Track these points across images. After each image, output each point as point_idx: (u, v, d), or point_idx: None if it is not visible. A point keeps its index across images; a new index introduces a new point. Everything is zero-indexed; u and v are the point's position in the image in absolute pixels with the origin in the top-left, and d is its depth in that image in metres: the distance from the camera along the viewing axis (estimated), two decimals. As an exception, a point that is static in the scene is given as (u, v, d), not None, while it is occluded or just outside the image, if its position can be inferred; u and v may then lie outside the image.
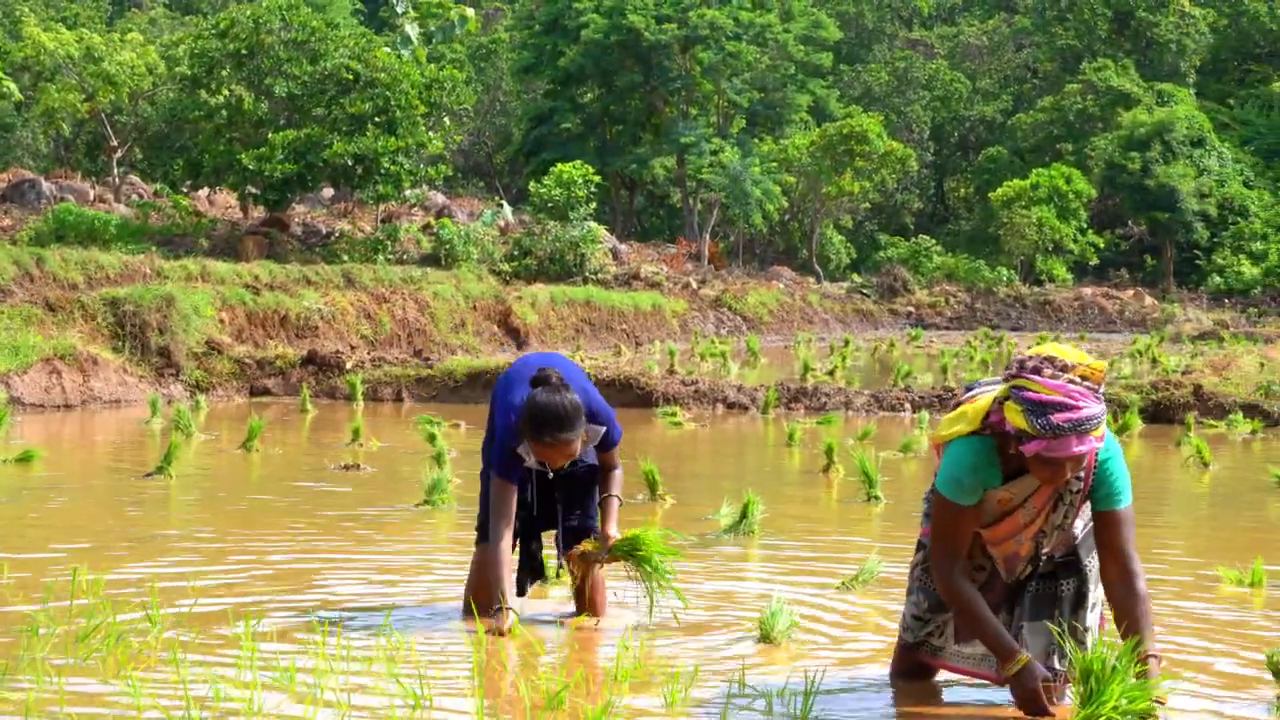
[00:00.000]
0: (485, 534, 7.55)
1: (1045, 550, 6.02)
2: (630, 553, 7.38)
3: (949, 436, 5.96)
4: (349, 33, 42.40)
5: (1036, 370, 5.65)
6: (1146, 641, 5.75)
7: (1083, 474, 5.85)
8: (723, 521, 10.85)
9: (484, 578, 7.46)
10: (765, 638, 7.19)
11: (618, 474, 7.61)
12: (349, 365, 23.81)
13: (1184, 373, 24.92)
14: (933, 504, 6.08)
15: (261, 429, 16.00)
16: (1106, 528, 5.87)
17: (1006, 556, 6.05)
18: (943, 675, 6.47)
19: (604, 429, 7.41)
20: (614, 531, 7.43)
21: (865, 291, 61.89)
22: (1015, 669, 5.78)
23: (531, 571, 7.75)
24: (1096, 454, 5.82)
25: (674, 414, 20.34)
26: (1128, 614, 5.81)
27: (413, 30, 55.56)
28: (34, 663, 6.33)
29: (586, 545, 7.43)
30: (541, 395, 7.14)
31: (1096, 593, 6.07)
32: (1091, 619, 6.02)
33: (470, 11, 57.53)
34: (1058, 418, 5.56)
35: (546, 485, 7.61)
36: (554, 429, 7.10)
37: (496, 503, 7.35)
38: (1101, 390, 5.65)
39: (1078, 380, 5.62)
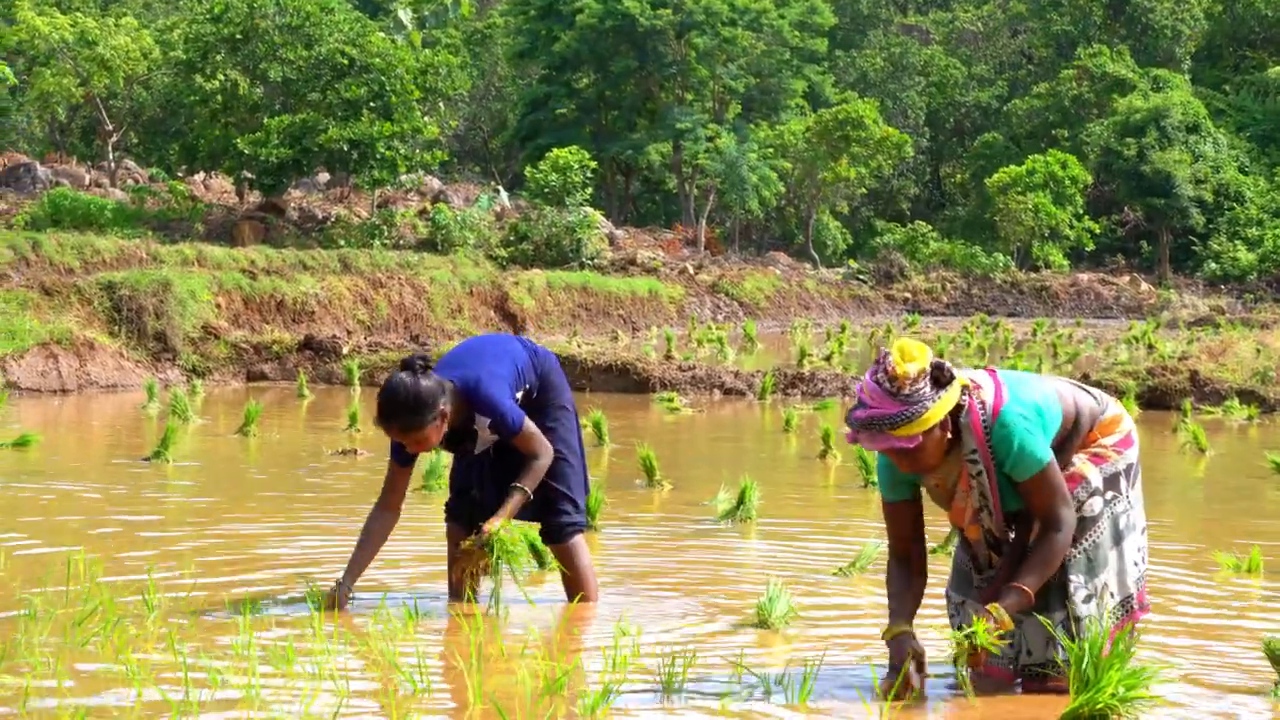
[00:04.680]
0: (449, 512, 7.69)
1: (990, 529, 6.06)
2: (488, 550, 7.30)
3: None
4: (343, 17, 42.34)
5: (877, 363, 5.86)
6: (1022, 575, 5.89)
7: (977, 456, 5.94)
8: (720, 507, 10.85)
9: (450, 555, 7.65)
10: (763, 623, 7.19)
11: (535, 465, 7.36)
12: (346, 350, 23.80)
13: (1180, 359, 24.89)
14: None
15: (258, 414, 16.00)
16: (1024, 496, 5.97)
17: (972, 541, 6.18)
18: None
19: (489, 420, 7.30)
20: (494, 525, 7.28)
21: (862, 277, 61.84)
22: (888, 635, 5.96)
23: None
24: (990, 434, 5.91)
25: (671, 399, 20.35)
26: (1027, 556, 5.96)
27: (406, 15, 55.54)
28: (31, 647, 6.32)
29: (467, 543, 7.37)
30: (389, 384, 7.14)
31: (1093, 583, 6.05)
32: (1087, 609, 5.99)
33: (464, -5, 57.51)
34: (854, 413, 5.84)
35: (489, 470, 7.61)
36: (387, 419, 7.12)
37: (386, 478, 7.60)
38: (911, 391, 5.75)
39: (886, 383, 5.77)
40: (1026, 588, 5.87)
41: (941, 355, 29.69)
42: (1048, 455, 5.91)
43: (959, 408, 5.93)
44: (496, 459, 7.50)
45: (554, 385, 7.66)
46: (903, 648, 5.90)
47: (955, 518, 6.12)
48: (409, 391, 7.05)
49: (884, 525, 6.27)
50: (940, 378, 5.83)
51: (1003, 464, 5.93)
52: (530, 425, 7.36)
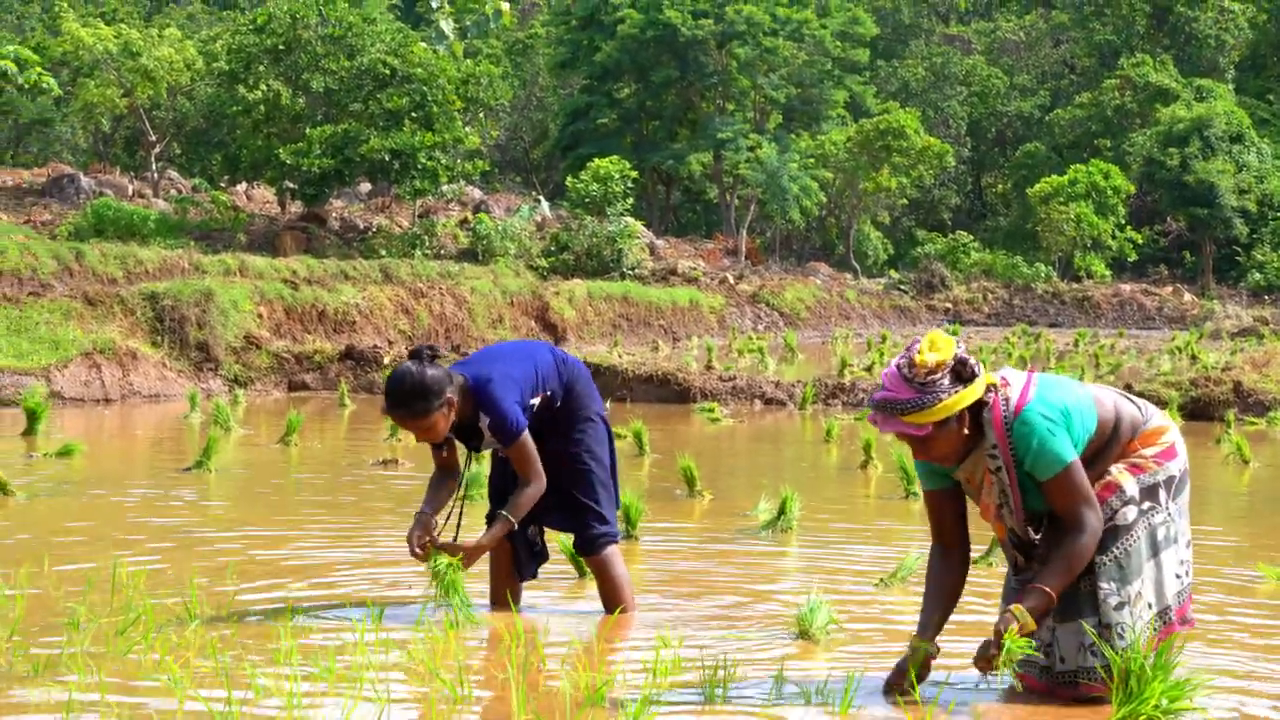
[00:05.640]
0: (491, 521, 7.61)
1: (1012, 528, 6.06)
2: (431, 576, 7.30)
3: None
4: (385, 28, 42.50)
5: (906, 350, 5.96)
6: (1044, 577, 5.90)
7: (996, 451, 5.96)
8: (761, 518, 10.83)
9: (491, 564, 7.70)
10: (804, 634, 7.17)
11: (524, 492, 7.28)
12: (387, 360, 23.87)
13: (1224, 369, 24.79)
14: None
15: (300, 424, 16.04)
16: (1047, 496, 5.97)
17: (1000, 541, 6.24)
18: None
19: (489, 420, 7.23)
20: (468, 545, 7.27)
21: (903, 287, 61.69)
22: (911, 646, 6.05)
23: (532, 556, 7.70)
24: (1010, 431, 5.94)
25: (712, 410, 20.33)
26: (1051, 558, 5.97)
27: (447, 25, 55.68)
28: (75, 656, 6.34)
29: (420, 552, 7.31)
30: (396, 371, 7.13)
31: (1125, 591, 6.00)
32: (1119, 616, 5.94)
33: (505, 6, 57.57)
34: (874, 394, 5.97)
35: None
36: (394, 405, 7.11)
37: None
38: (927, 380, 5.82)
39: (906, 369, 5.86)
40: (1049, 589, 5.87)
41: (983, 366, 29.61)
42: (1070, 456, 5.90)
43: (981, 403, 5.95)
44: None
45: (581, 395, 7.59)
46: (916, 655, 6.01)
47: (983, 514, 6.16)
48: (415, 379, 7.04)
49: (925, 531, 6.28)
50: (962, 373, 5.88)
51: (1022, 461, 5.94)
52: (527, 440, 7.26)
